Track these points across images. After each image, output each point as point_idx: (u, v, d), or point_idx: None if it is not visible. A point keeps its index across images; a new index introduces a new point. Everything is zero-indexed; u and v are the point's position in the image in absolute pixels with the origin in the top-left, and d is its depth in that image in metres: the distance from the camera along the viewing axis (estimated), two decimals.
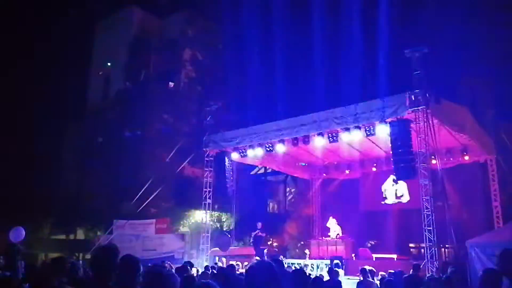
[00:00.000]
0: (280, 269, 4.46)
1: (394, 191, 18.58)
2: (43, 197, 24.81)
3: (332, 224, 17.00)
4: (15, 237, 14.44)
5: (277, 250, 22.49)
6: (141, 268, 3.34)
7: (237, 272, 9.44)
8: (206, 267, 10.79)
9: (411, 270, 9.50)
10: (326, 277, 8.30)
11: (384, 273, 9.45)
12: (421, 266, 10.77)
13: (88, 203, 25.83)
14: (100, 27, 35.04)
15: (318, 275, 9.71)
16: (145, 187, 19.11)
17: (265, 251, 16.57)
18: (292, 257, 19.37)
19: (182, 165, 20.42)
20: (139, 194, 19.20)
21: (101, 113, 30.34)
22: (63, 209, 25.17)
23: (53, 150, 27.69)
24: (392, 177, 17.63)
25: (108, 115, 29.88)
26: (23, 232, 14.94)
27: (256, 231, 16.52)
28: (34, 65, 28.48)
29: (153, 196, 19.26)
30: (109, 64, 32.98)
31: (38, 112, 28.02)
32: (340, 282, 8.20)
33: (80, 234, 27.15)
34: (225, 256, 17.06)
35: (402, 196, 18.33)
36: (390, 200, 18.63)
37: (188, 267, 7.54)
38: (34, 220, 24.59)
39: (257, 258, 14.40)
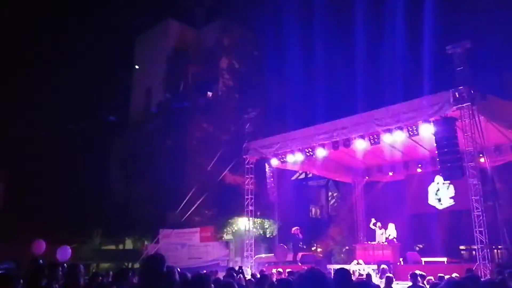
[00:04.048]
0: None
1: (437, 192, 18.01)
2: (93, 209, 25.75)
3: (391, 229, 16.44)
4: (61, 255, 15.03)
5: (321, 255, 22.24)
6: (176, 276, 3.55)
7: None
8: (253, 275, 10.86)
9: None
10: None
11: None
12: (473, 269, 10.39)
13: (135, 214, 26.53)
14: (139, 41, 36.17)
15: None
16: (188, 195, 19.41)
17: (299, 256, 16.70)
18: (337, 262, 19.08)
19: (223, 173, 20.60)
20: (183, 203, 19.51)
21: (143, 125, 31.19)
22: (112, 220, 25.98)
23: (100, 162, 28.67)
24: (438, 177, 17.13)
25: (150, 127, 30.68)
26: (69, 251, 15.52)
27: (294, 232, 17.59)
28: (78, 80, 29.71)
29: (196, 204, 19.53)
30: (148, 76, 33.97)
31: (83, 125, 29.19)
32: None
33: (129, 244, 27.91)
34: (268, 263, 17.07)
35: (449, 198, 17.75)
36: (436, 202, 18.07)
37: (234, 274, 7.61)
38: (86, 231, 25.57)
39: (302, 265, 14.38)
